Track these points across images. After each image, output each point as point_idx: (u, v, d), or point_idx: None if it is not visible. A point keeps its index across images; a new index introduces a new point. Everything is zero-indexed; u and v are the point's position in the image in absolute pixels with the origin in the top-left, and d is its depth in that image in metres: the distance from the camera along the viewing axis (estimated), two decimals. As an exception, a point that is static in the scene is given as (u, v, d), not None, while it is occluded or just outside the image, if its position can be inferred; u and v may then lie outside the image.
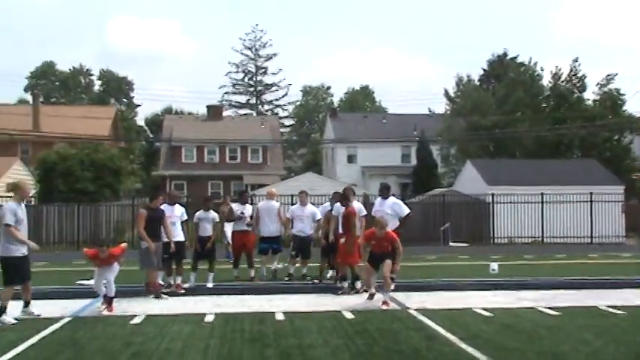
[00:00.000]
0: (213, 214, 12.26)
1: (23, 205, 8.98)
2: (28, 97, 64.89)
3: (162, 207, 11.43)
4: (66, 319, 8.74)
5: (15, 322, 8.48)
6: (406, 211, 11.79)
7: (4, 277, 8.71)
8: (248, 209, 13.01)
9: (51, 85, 75.41)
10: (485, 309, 9.28)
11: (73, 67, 77.39)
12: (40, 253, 21.56)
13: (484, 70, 45.73)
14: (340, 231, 11.37)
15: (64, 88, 76.03)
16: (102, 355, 6.70)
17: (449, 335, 7.58)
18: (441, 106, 59.11)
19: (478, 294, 10.96)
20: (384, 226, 9.93)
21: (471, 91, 43.69)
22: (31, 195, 28.15)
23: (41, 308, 9.19)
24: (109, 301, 9.37)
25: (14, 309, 8.92)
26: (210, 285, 11.83)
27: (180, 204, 12.07)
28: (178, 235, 11.41)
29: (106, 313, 9.20)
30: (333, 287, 11.36)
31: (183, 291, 11.30)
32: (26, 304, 9.03)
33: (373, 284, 10.09)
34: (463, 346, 7.03)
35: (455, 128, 41.90)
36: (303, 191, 13.21)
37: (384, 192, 11.99)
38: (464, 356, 6.62)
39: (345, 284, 11.13)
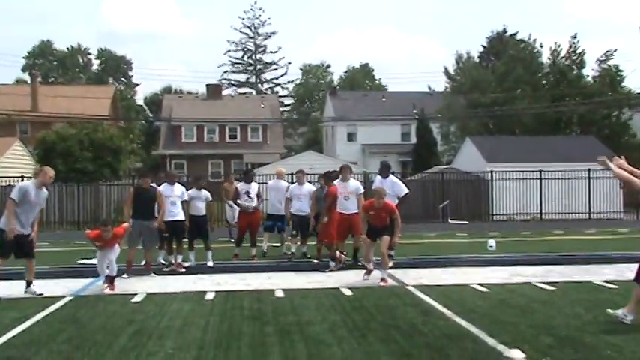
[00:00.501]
0: (205, 194, 12.31)
1: (43, 190, 9.13)
2: (26, 77, 64.74)
3: (162, 187, 11.54)
4: (68, 298, 8.87)
5: None
6: (405, 190, 11.90)
7: None
8: (254, 188, 13.09)
9: (49, 64, 75.15)
10: (481, 284, 9.41)
11: (71, 47, 77.12)
12: (42, 233, 21.74)
13: (483, 47, 45.56)
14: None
15: (62, 67, 75.80)
16: (103, 332, 6.81)
17: (444, 310, 7.70)
18: (440, 84, 58.93)
19: (475, 270, 11.09)
20: (382, 196, 9.97)
21: (470, 68, 43.54)
22: (29, 176, 28.30)
23: (43, 287, 9.32)
24: (111, 280, 9.50)
25: (17, 288, 9.08)
26: (210, 264, 11.94)
27: (180, 183, 12.12)
28: (178, 215, 11.50)
29: (107, 291, 9.33)
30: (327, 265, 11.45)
31: (183, 269, 11.44)
32: (28, 284, 9.16)
33: (372, 260, 10.19)
34: (458, 319, 7.16)
35: (454, 106, 41.85)
36: (300, 170, 13.30)
37: (384, 171, 12.10)
38: (458, 329, 6.75)
39: (332, 263, 11.31)
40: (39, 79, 52.14)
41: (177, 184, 11.82)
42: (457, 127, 42.29)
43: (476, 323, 6.90)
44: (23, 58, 73.83)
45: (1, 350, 6.14)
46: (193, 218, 11.89)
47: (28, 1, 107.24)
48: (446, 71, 45.15)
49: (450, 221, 25.03)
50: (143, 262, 11.07)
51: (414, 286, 9.50)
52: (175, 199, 11.52)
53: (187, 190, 12.04)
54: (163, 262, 11.93)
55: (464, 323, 6.98)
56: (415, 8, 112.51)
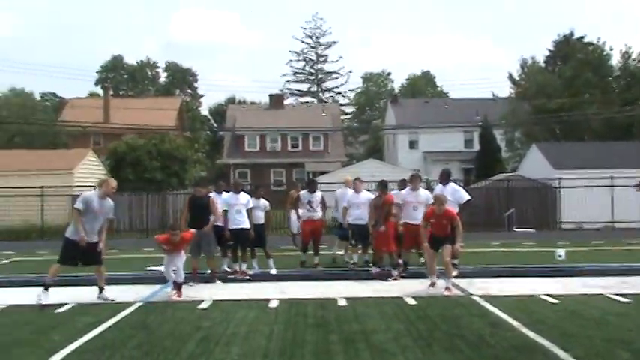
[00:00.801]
0: (264, 202, 12.44)
1: (107, 201, 9.44)
2: (99, 90, 67.17)
3: (228, 195, 11.74)
4: (137, 304, 9.13)
5: (46, 303, 8.86)
6: (466, 197, 11.70)
7: (59, 255, 9.26)
8: (316, 198, 13.16)
9: (120, 78, 77.81)
10: (550, 295, 9.14)
11: (140, 60, 79.68)
12: (112, 241, 22.43)
13: (550, 51, 44.42)
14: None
15: (132, 80, 78.37)
16: (172, 338, 6.98)
17: (512, 321, 7.52)
18: (504, 90, 57.68)
19: (543, 280, 10.78)
20: (443, 202, 9.85)
21: (535, 73, 42.54)
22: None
23: (114, 293, 9.65)
24: (178, 286, 9.72)
25: (90, 294, 9.41)
26: (273, 271, 12.07)
27: (245, 192, 12.27)
28: (243, 223, 11.62)
29: (175, 298, 9.55)
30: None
31: (247, 277, 11.59)
32: (100, 290, 9.48)
33: (435, 271, 10.07)
34: (526, 331, 6.98)
35: (519, 112, 40.94)
36: (357, 178, 13.19)
37: (444, 178, 11.95)
38: (527, 342, 6.57)
39: (374, 270, 11.41)
40: (111, 92, 54.07)
41: (242, 193, 11.95)
42: (522, 133, 41.35)
43: (545, 335, 6.72)
44: (96, 72, 76.84)
45: (77, 354, 6.37)
46: (254, 227, 12.04)
47: (100, 18, 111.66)
48: (510, 77, 44.32)
49: (515, 230, 24.43)
50: (208, 271, 11.25)
51: (480, 295, 9.32)
52: (240, 208, 11.66)
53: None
54: (228, 269, 12.13)
55: (532, 335, 6.80)
56: (477, 13, 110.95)
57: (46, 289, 9.09)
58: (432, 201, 11.15)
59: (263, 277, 11.67)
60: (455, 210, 10.90)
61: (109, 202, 9.58)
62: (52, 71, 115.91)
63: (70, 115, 48.16)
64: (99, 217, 9.36)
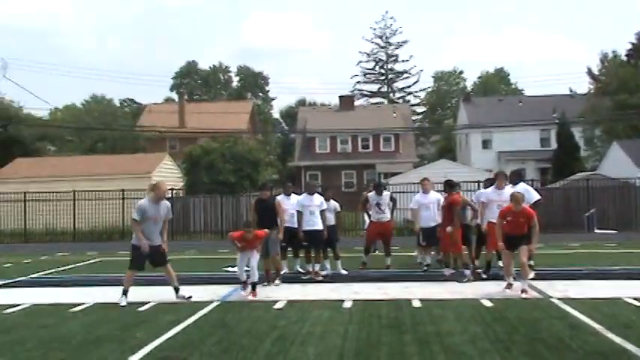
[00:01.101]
0: (334, 204, 12.48)
1: (161, 204, 9.67)
2: (174, 96, 69.30)
3: (302, 197, 11.87)
4: (215, 303, 9.35)
5: (126, 305, 9.20)
6: (536, 197, 11.34)
7: (129, 261, 9.63)
8: (385, 199, 13.13)
9: (194, 83, 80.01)
10: (636, 299, 8.75)
11: (213, 65, 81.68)
12: (188, 242, 23.08)
13: (632, 44, 42.57)
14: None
15: (206, 85, 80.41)
16: (249, 336, 7.12)
17: (595, 325, 7.27)
18: (583, 86, 55.65)
19: (628, 283, 10.37)
20: (519, 201, 9.63)
21: (617, 67, 40.84)
22: (178, 188, 30.21)
23: (192, 293, 9.93)
24: (252, 286, 9.90)
25: (171, 293, 9.72)
26: (343, 272, 12.10)
27: (319, 193, 12.29)
28: (317, 224, 11.69)
29: (250, 298, 9.72)
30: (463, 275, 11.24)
31: (320, 278, 11.67)
32: (177, 290, 9.79)
33: (512, 273, 9.85)
34: (610, 336, 6.72)
35: (599, 108, 39.41)
36: (425, 178, 13.05)
37: (514, 178, 11.67)
38: (611, 346, 6.33)
39: (447, 271, 11.36)
40: (185, 97, 55.63)
41: (316, 194, 12.01)
42: (602, 130, 39.80)
43: (632, 340, 6.45)
44: (171, 78, 79.35)
45: (159, 350, 6.60)
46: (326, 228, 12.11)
47: (175, 25, 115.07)
48: (589, 72, 42.73)
49: (596, 231, 23.55)
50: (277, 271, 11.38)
51: (560, 298, 9.05)
52: (314, 209, 11.73)
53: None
54: (301, 270, 12.26)
55: (618, 340, 6.54)
56: (552, 6, 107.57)
57: (125, 294, 9.47)
58: (535, 199, 10.95)
59: (336, 278, 11.73)
60: None
61: (164, 203, 9.80)
62: (130, 78, 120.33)
63: (148, 120, 49.94)
64: (158, 221, 9.62)
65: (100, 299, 9.80)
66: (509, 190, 11.14)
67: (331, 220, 12.36)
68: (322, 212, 11.83)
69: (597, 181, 26.09)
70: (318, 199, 11.92)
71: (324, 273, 11.98)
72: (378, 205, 13.02)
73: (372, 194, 13.36)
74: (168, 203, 10.04)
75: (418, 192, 13.37)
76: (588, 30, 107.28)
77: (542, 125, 44.22)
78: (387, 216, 13.11)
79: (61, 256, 18.25)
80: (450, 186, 11.67)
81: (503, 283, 9.88)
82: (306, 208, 11.68)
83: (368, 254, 13.18)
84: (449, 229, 11.17)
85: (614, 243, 18.39)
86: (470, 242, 11.83)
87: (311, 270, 11.87)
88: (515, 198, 9.72)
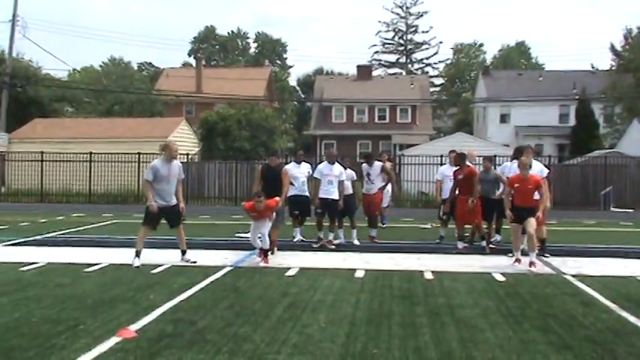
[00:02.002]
0: (351, 173, 12.42)
1: (173, 163, 9.75)
2: (192, 61, 69.06)
3: (321, 165, 11.87)
4: (228, 268, 9.42)
5: (139, 266, 9.34)
6: (545, 170, 11.19)
7: (143, 218, 9.80)
8: (375, 170, 12.87)
9: (212, 48, 79.63)
10: (650, 278, 8.71)
11: (232, 31, 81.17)
12: (202, 207, 23.22)
13: (658, 20, 41.60)
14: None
15: (223, 51, 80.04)
16: (260, 302, 7.16)
17: (608, 302, 7.23)
18: (605, 62, 54.71)
19: (642, 262, 10.28)
20: (527, 167, 9.57)
21: (640, 44, 40.01)
22: (193, 153, 30.31)
23: (205, 257, 10.04)
24: (264, 253, 9.95)
25: (174, 257, 9.83)
26: (356, 242, 12.12)
27: (339, 163, 12.17)
28: (334, 194, 11.65)
29: (262, 264, 9.78)
30: (482, 249, 11.23)
31: (333, 247, 11.69)
32: (183, 253, 9.90)
33: (520, 248, 9.81)
34: (624, 314, 6.69)
35: (621, 85, 38.75)
36: (452, 150, 12.93)
37: (518, 154, 11.56)
38: (624, 324, 6.30)
39: (460, 245, 11.30)
40: (203, 62, 55.42)
41: (336, 164, 11.93)
42: (623, 108, 39.20)
43: (645, 319, 6.42)
44: (189, 43, 79.02)
45: (172, 312, 6.67)
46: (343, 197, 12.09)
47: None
48: (612, 48, 41.91)
49: (612, 209, 23.36)
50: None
51: (573, 275, 9.01)
52: (332, 179, 11.69)
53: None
54: (303, 238, 12.32)
55: (632, 318, 6.50)
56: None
57: (138, 255, 9.59)
58: (545, 173, 10.81)
59: (348, 247, 11.75)
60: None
61: (176, 163, 9.88)
62: (148, 42, 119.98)
63: (165, 84, 49.89)
64: (171, 180, 9.69)
65: (115, 260, 9.91)
66: (537, 164, 11.01)
67: (349, 188, 12.29)
68: (340, 182, 11.77)
69: (615, 159, 25.79)
70: (337, 168, 11.84)
71: (337, 242, 12.00)
72: (368, 175, 12.79)
73: (364, 165, 13.11)
74: (179, 163, 10.12)
75: (435, 164, 13.29)
76: (613, 5, 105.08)
77: (561, 101, 43.65)
78: (375, 188, 12.86)
79: (76, 217, 18.44)
80: (462, 158, 11.59)
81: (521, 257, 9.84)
82: (325, 177, 11.66)
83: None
84: (472, 200, 11.09)
85: (630, 222, 18.24)
86: (492, 217, 11.71)
87: (322, 237, 11.88)
88: (523, 164, 9.64)
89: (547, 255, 10.57)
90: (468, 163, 11.68)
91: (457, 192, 11.59)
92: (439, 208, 12.94)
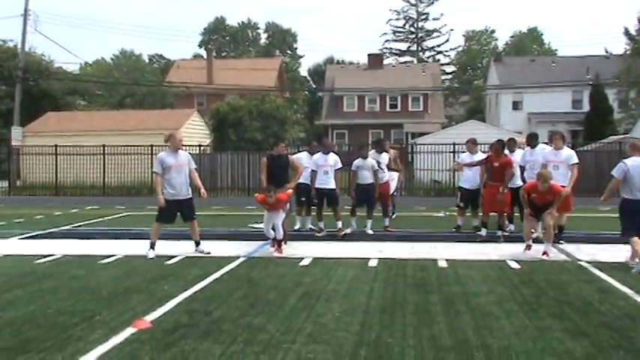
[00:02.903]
0: (370, 162, 12.36)
1: (179, 153, 9.76)
2: (203, 52, 69.12)
3: (317, 156, 11.82)
4: (242, 259, 9.44)
5: (154, 258, 9.37)
6: (575, 158, 11.05)
7: (157, 214, 9.78)
8: (384, 158, 12.86)
9: (222, 39, 79.62)
10: (666, 264, 8.61)
11: (242, 22, 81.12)
12: (215, 198, 23.28)
13: (672, 3, 41.07)
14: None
15: (234, 42, 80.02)
16: (275, 292, 7.18)
17: (624, 289, 7.17)
18: (619, 47, 54.10)
19: (659, 248, 10.17)
20: (547, 180, 9.34)
21: (655, 27, 39.47)
22: (205, 144, 30.37)
23: (218, 248, 10.07)
24: (278, 243, 9.95)
25: (188, 248, 9.89)
26: (370, 232, 12.09)
27: (334, 152, 12.25)
28: (330, 183, 11.77)
29: (276, 254, 9.79)
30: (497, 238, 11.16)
31: (342, 234, 11.67)
32: (197, 244, 9.93)
33: (531, 235, 9.73)
34: (640, 300, 6.65)
35: (636, 69, 38.30)
36: (470, 139, 12.77)
37: (532, 140, 11.58)
38: (641, 311, 6.25)
39: (484, 232, 11.20)
40: (214, 53, 55.41)
41: (331, 154, 12.00)
42: (638, 92, 38.75)
43: (661, 305, 6.36)
44: (200, 34, 79.04)
45: (187, 303, 6.70)
46: (360, 187, 12.07)
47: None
48: (626, 32, 41.34)
49: (627, 195, 23.15)
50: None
51: (588, 262, 8.95)
52: (328, 169, 11.77)
53: (354, 159, 12.24)
54: (312, 227, 12.31)
55: (648, 304, 6.46)
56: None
57: (152, 247, 9.64)
58: (576, 161, 10.66)
59: (361, 236, 11.73)
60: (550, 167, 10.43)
61: (183, 153, 9.90)
62: (159, 34, 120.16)
63: (176, 76, 49.96)
64: (181, 170, 9.67)
65: (129, 252, 9.97)
66: (567, 150, 10.89)
67: (369, 178, 12.09)
68: (355, 172, 11.82)
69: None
70: (332, 158, 11.92)
71: (348, 231, 11.97)
72: (378, 164, 12.51)
73: (372, 152, 12.97)
74: (187, 153, 10.15)
75: (448, 152, 13.23)
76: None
77: (574, 86, 43.21)
78: (386, 176, 12.75)
79: (90, 210, 18.56)
80: (503, 146, 11.44)
81: (536, 246, 9.77)
82: (321, 168, 11.73)
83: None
84: (503, 189, 10.97)
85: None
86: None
87: (322, 227, 11.89)
88: (543, 177, 9.37)
89: (562, 242, 10.50)
90: (506, 151, 11.54)
91: (488, 179, 11.39)
92: (457, 196, 12.85)
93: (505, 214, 11.37)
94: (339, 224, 11.86)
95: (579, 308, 6.35)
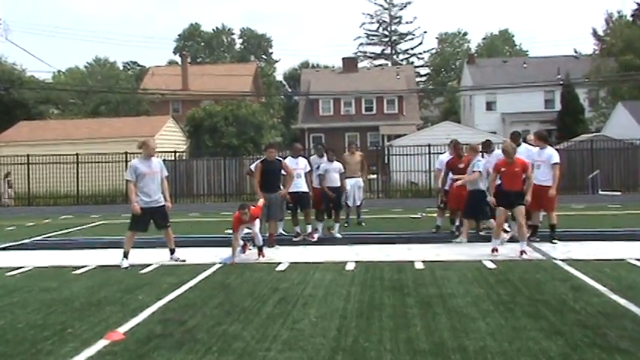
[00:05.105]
0: (338, 165, 12.35)
1: (152, 160, 9.66)
2: (177, 58, 68.68)
3: (286, 160, 11.76)
4: (217, 265, 9.34)
5: (128, 267, 9.27)
6: (556, 157, 11.12)
7: (129, 222, 9.67)
8: (335, 166, 12.66)
9: (197, 45, 79.20)
10: None
11: (216, 27, 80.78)
12: (191, 205, 23.12)
13: (637, 4, 41.82)
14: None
15: (209, 48, 79.63)
16: (251, 299, 7.10)
17: (598, 286, 7.23)
18: (588, 47, 54.92)
19: (632, 245, 10.32)
20: (511, 155, 9.42)
21: (622, 28, 40.17)
22: (181, 151, 30.14)
23: (194, 255, 9.97)
24: (259, 248, 9.87)
25: (163, 257, 9.75)
26: (338, 235, 12.05)
27: (303, 156, 12.29)
28: (302, 187, 11.72)
29: (262, 259, 9.69)
30: (480, 237, 11.21)
31: (314, 239, 11.61)
32: (172, 252, 9.82)
33: (500, 236, 9.78)
34: (614, 297, 6.68)
35: (604, 69, 38.91)
36: (453, 140, 12.76)
37: (516, 139, 11.42)
38: (615, 308, 6.29)
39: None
40: (188, 60, 55.09)
41: (301, 157, 12.04)
42: (607, 91, 39.36)
43: (636, 302, 6.40)
44: (174, 41, 78.51)
45: (161, 312, 6.59)
46: (330, 189, 12.02)
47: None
48: (594, 32, 42.09)
49: (600, 192, 23.48)
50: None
51: (563, 260, 9.01)
52: (300, 172, 11.73)
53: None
54: (284, 233, 12.25)
55: (622, 302, 6.49)
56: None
57: (126, 256, 9.51)
58: (557, 160, 10.72)
59: (338, 240, 11.69)
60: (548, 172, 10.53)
61: (156, 160, 9.82)
62: (133, 41, 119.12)
63: (151, 83, 49.56)
64: (154, 177, 9.58)
65: (103, 262, 9.82)
66: (549, 150, 10.93)
67: (337, 181, 12.20)
68: (307, 174, 11.82)
69: (601, 143, 25.93)
70: (302, 162, 11.94)
71: (316, 236, 11.91)
72: (318, 169, 12.48)
73: (314, 157, 13.08)
74: (160, 160, 10.05)
75: (424, 154, 13.23)
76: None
77: (546, 87, 43.76)
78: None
79: (64, 219, 18.29)
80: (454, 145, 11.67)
81: (507, 245, 9.85)
82: (293, 171, 11.60)
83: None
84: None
85: (618, 204, 18.33)
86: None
87: (300, 231, 11.82)
88: (506, 149, 9.53)
89: (555, 241, 10.51)
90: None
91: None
92: (437, 196, 12.88)
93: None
94: (309, 228, 11.80)
95: (554, 307, 6.38)
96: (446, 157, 12.57)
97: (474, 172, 11.00)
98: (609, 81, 38.59)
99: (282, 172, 11.27)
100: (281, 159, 11.50)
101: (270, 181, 10.85)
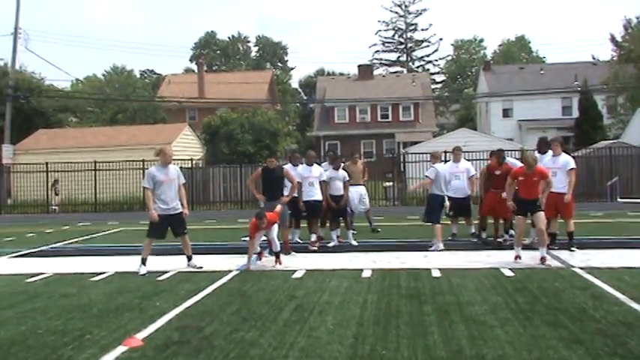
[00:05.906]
0: (343, 173, 12.32)
1: (169, 168, 9.70)
2: (194, 66, 69.16)
3: (301, 168, 11.74)
4: (234, 273, 9.37)
5: (145, 274, 9.30)
6: (572, 164, 11.02)
7: (147, 229, 9.72)
8: (341, 174, 12.75)
9: (213, 53, 79.77)
10: (660, 269, 8.62)
11: (232, 36, 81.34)
12: (208, 212, 23.19)
13: (657, 9, 41.41)
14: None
15: (225, 56, 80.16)
16: (267, 306, 7.11)
17: (618, 294, 7.15)
18: (606, 53, 54.51)
19: (652, 253, 10.19)
20: (532, 166, 9.35)
21: (641, 33, 39.81)
22: (197, 158, 30.29)
23: (211, 262, 10.02)
24: (277, 255, 9.89)
25: (180, 264, 9.82)
26: (354, 242, 12.03)
27: (317, 164, 12.24)
28: (316, 195, 11.67)
29: (278, 267, 9.71)
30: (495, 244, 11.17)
31: (315, 248, 11.53)
32: (189, 259, 9.86)
33: (521, 244, 9.72)
34: (635, 305, 6.61)
35: (623, 75, 38.56)
36: (456, 147, 12.80)
37: (542, 147, 11.28)
38: (637, 316, 6.21)
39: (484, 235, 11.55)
40: (204, 68, 55.44)
41: (315, 165, 11.99)
42: (626, 98, 38.99)
43: (658, 311, 6.34)
44: (191, 49, 79.12)
45: (179, 319, 6.63)
46: (333, 198, 11.97)
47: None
48: (612, 38, 41.70)
49: (618, 200, 23.23)
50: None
51: (582, 268, 8.93)
52: (313, 180, 11.70)
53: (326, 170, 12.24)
54: (300, 241, 12.29)
55: (643, 310, 6.43)
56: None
57: (144, 263, 9.57)
58: (573, 166, 10.66)
59: (355, 248, 11.67)
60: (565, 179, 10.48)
61: (173, 167, 9.85)
62: (150, 49, 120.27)
63: (168, 91, 49.98)
64: (172, 185, 9.62)
65: (121, 268, 9.89)
66: (564, 157, 10.84)
67: (341, 189, 12.11)
68: (323, 183, 11.78)
69: (620, 150, 25.67)
70: (316, 170, 11.87)
71: (331, 244, 11.89)
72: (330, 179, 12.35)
73: (324, 165, 13.12)
74: (177, 167, 10.09)
75: (440, 161, 13.08)
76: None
77: (563, 93, 43.50)
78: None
79: (82, 226, 18.44)
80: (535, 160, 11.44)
81: (526, 253, 9.76)
82: (306, 180, 11.63)
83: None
84: (505, 195, 10.51)
85: (638, 212, 18.12)
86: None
87: (316, 239, 11.78)
88: (527, 161, 9.49)
89: (574, 249, 10.43)
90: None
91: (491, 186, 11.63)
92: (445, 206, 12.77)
93: (506, 220, 11.45)
94: (313, 237, 11.75)
95: (574, 315, 6.32)
96: (447, 166, 12.34)
97: (426, 177, 11.43)
98: (628, 87, 38.23)
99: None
100: (283, 167, 11.43)
101: (272, 189, 10.78)
